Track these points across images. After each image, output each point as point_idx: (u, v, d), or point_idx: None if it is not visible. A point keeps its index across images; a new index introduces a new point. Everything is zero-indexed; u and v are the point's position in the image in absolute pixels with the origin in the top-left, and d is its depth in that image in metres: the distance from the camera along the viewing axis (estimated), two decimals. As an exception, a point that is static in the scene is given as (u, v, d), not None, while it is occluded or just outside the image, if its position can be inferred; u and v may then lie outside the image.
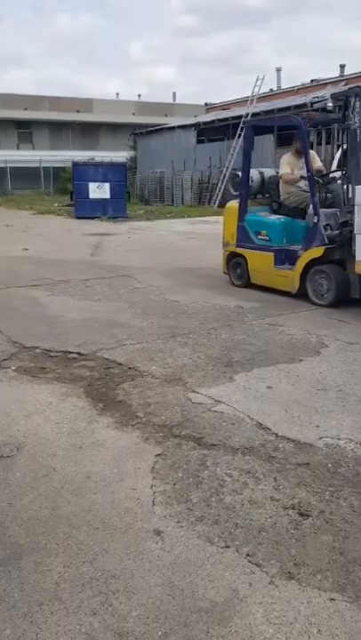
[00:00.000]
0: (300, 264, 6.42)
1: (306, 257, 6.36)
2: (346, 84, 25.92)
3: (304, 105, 22.66)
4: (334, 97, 6.45)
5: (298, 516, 2.49)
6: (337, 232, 6.13)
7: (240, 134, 23.02)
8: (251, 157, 7.42)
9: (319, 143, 22.14)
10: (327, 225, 6.23)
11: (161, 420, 3.43)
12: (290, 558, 2.21)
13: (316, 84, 28.04)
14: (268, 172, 7.65)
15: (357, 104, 5.83)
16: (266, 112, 24.22)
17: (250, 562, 2.19)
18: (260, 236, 7.07)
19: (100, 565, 2.19)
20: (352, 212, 5.81)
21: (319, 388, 3.92)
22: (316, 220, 6.25)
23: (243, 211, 7.27)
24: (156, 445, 3.13)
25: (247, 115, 23.47)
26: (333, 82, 27.44)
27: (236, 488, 2.71)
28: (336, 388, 3.90)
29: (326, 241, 6.18)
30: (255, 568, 2.16)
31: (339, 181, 6.52)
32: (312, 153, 7.12)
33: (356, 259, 5.74)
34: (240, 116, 24.11)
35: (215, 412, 3.55)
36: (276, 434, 3.25)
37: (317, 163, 7.21)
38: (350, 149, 6.01)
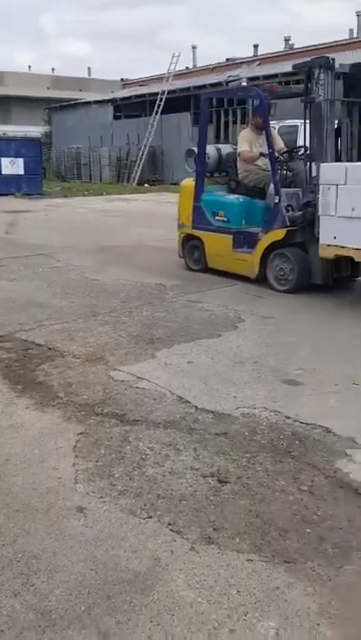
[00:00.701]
0: (260, 247, 6.03)
1: (266, 240, 5.99)
2: (259, 64, 26.31)
3: (220, 84, 22.77)
4: (297, 67, 5.93)
5: (217, 483, 2.55)
6: (299, 213, 5.79)
7: (157, 111, 22.89)
8: (207, 132, 6.98)
9: (235, 122, 22.38)
10: (288, 206, 5.91)
11: (82, 400, 3.40)
12: (209, 524, 2.28)
13: (232, 63, 28.24)
14: (226, 149, 7.21)
15: (321, 76, 5.41)
16: (182, 89, 24.15)
17: (171, 530, 2.24)
18: (217, 217, 6.61)
19: (21, 547, 2.16)
20: (315, 192, 5.45)
21: (236, 361, 4.02)
22: (276, 201, 5.86)
23: (199, 190, 6.80)
24: (78, 424, 3.10)
25: (164, 92, 23.32)
26: (248, 61, 27.73)
27: (158, 461, 2.74)
28: (252, 360, 4.01)
29: (288, 223, 5.82)
30: (176, 536, 2.21)
31: (301, 160, 6.18)
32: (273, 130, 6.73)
33: (320, 242, 5.32)
34: (157, 93, 23.91)
35: (137, 388, 3.56)
36: (196, 406, 3.31)
37: (279, 140, 6.84)
38: (313, 125, 5.60)
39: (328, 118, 5.52)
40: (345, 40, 25.51)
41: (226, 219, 6.53)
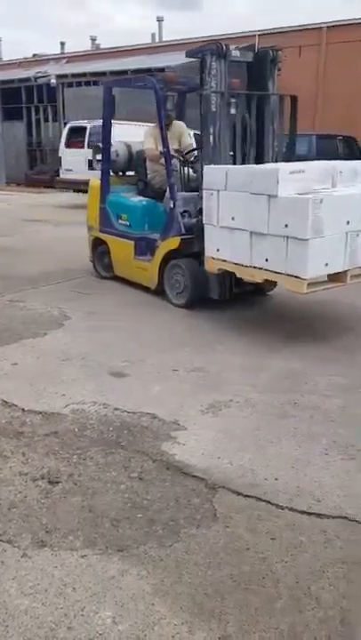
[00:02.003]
0: (158, 256, 5.40)
1: (163, 248, 5.37)
2: (67, 62, 26.08)
3: (28, 79, 22.14)
4: (190, 54, 5.09)
5: (48, 484, 2.49)
6: (194, 220, 5.12)
7: None
8: (111, 126, 6.26)
9: (46, 119, 21.96)
10: (185, 211, 5.26)
11: None
12: (41, 527, 2.21)
13: (39, 59, 27.59)
14: (137, 146, 6.43)
15: (213, 64, 4.77)
16: (-12, 84, 23.01)
17: (1, 541, 2.14)
18: (120, 221, 5.97)
19: None
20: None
21: (64, 359, 3.96)
22: (172, 206, 5.24)
23: (104, 190, 6.15)
24: None
25: (-32, 85, 22.02)
26: (55, 58, 27.33)
27: (-17, 471, 2.59)
28: (79, 357, 3.98)
29: (183, 230, 5.17)
30: (7, 545, 2.11)
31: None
32: (180, 124, 6.06)
33: (206, 254, 4.68)
34: None
35: None
36: (23, 409, 3.20)
37: (185, 136, 6.13)
38: (203, 121, 4.88)
39: (219, 113, 4.83)
40: (147, 44, 26.33)
41: (128, 223, 5.90)
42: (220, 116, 4.84)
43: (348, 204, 4.04)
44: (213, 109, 4.82)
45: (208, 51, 4.79)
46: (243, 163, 5.01)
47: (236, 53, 4.98)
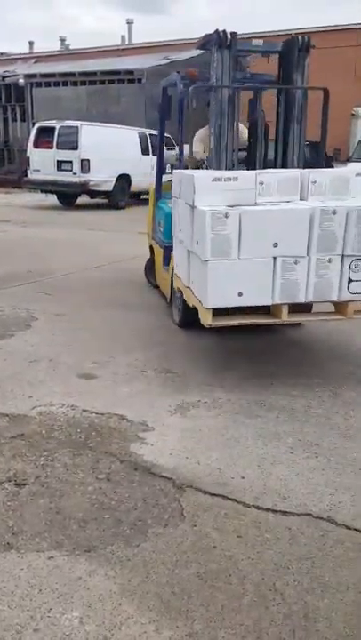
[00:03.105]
0: (170, 267, 4.84)
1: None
2: (36, 62, 25.86)
3: (-4, 77, 21.85)
4: (198, 47, 4.67)
5: (14, 487, 2.47)
6: None
7: None
8: (165, 128, 5.78)
9: (14, 119, 21.71)
10: None
11: None
12: (8, 530, 2.20)
13: (7, 58, 27.29)
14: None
15: (215, 56, 4.30)
16: None
17: (-34, 544, 2.11)
18: (159, 227, 5.59)
19: None
20: None
21: (31, 360, 3.93)
22: None
23: (157, 194, 5.75)
24: None
25: None
26: (24, 58, 27.07)
27: None
28: (47, 358, 3.96)
29: None
30: (-28, 549, 2.09)
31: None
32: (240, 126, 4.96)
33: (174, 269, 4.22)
34: None
35: None
36: (-11, 412, 3.17)
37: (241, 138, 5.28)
38: (211, 120, 4.49)
39: (223, 111, 4.39)
40: (117, 46, 26.31)
41: (162, 230, 5.42)
42: (221, 113, 4.38)
43: (278, 221, 3.29)
44: (216, 105, 4.38)
45: (210, 40, 4.33)
46: (262, 167, 4.54)
47: (257, 43, 4.52)
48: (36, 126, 14.96)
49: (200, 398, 3.37)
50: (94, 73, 20.07)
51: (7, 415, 3.13)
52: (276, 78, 4.68)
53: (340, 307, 3.55)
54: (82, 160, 13.55)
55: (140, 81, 18.80)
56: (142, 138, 15.21)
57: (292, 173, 3.69)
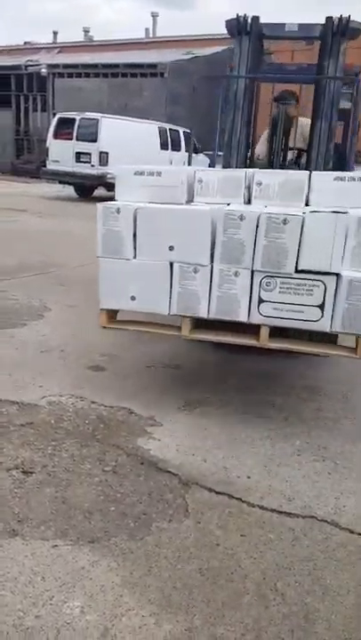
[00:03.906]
0: None
1: None
2: (60, 52, 25.90)
3: (18, 67, 21.97)
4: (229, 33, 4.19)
5: (21, 474, 2.50)
6: None
7: None
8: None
9: (35, 109, 21.80)
10: None
11: None
12: (14, 517, 2.22)
13: (31, 48, 27.36)
14: None
15: (235, 42, 4.05)
16: (-22, 70, 22.82)
17: (-28, 529, 2.14)
18: None
19: None
20: None
21: (43, 350, 3.95)
22: None
23: None
24: None
25: None
26: (48, 48, 27.12)
27: None
28: (58, 349, 3.98)
29: None
30: (-22, 534, 2.12)
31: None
32: (307, 122, 4.49)
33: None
34: None
35: None
36: (0, 399, 3.19)
37: (304, 132, 4.67)
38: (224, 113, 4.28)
39: (236, 104, 4.11)
40: (141, 38, 26.27)
41: None
42: (234, 106, 4.11)
43: (175, 222, 2.90)
44: (230, 97, 4.12)
45: (232, 27, 4.03)
46: (281, 167, 4.27)
47: (292, 27, 4.07)
48: (57, 117, 15.02)
49: (209, 395, 3.38)
50: (117, 65, 20.09)
51: (17, 403, 3.16)
52: (317, 69, 4.16)
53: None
54: (100, 152, 13.60)
55: (162, 75, 18.78)
56: (162, 132, 15.21)
57: (235, 173, 3.32)
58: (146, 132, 14.83)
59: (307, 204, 3.04)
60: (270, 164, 4.31)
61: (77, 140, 14.02)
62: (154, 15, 29.73)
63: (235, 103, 4.12)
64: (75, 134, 14.04)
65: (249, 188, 3.13)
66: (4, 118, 22.23)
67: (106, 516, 2.25)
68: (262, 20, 4.05)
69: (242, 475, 2.59)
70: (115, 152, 13.51)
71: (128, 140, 13.57)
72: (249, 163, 4.29)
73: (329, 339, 2.99)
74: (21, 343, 4.08)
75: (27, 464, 2.58)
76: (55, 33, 30.81)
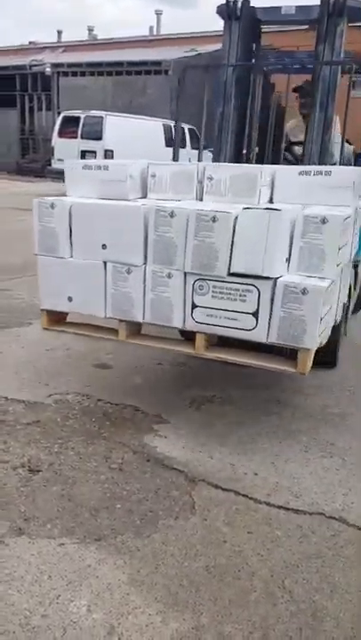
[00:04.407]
0: None
1: None
2: (64, 51, 25.89)
3: (23, 67, 21.98)
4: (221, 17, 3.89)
5: (28, 472, 2.49)
6: None
7: None
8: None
9: (40, 108, 21.81)
10: None
11: None
12: (20, 515, 2.21)
13: (35, 47, 27.37)
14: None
15: (225, 28, 3.79)
16: (-18, 70, 22.86)
17: (-22, 528, 2.13)
18: None
19: None
20: None
21: (48, 349, 3.95)
22: None
23: None
24: None
25: None
26: (52, 47, 27.11)
27: None
28: (64, 347, 3.98)
29: None
30: (-16, 532, 2.11)
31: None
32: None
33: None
34: None
35: None
36: (6, 397, 3.19)
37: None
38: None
39: (226, 94, 3.88)
40: (145, 36, 26.21)
41: None
42: (224, 97, 3.87)
43: (108, 219, 2.68)
44: (220, 88, 3.88)
45: (221, 12, 3.78)
46: (271, 162, 3.94)
47: (289, 10, 3.79)
48: (61, 116, 15.03)
49: (215, 393, 3.36)
50: (121, 63, 20.06)
51: (23, 402, 3.15)
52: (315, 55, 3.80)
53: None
54: (105, 150, 13.59)
55: (166, 72, 18.74)
56: (167, 129, 15.18)
57: (187, 167, 2.99)
58: (150, 129, 14.81)
59: (271, 201, 2.84)
60: (260, 159, 4.05)
61: (82, 138, 14.02)
62: (158, 13, 29.67)
63: (224, 94, 3.86)
64: (79, 133, 14.05)
65: (202, 184, 2.88)
66: (10, 118, 22.27)
67: (112, 513, 2.24)
68: (258, 5, 3.83)
69: (248, 471, 2.57)
70: (119, 150, 13.50)
71: (133, 138, 13.56)
72: (246, 158, 4.04)
73: (280, 350, 2.62)
74: (27, 342, 4.08)
75: (33, 462, 2.57)
76: (59, 32, 30.79)
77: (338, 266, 2.50)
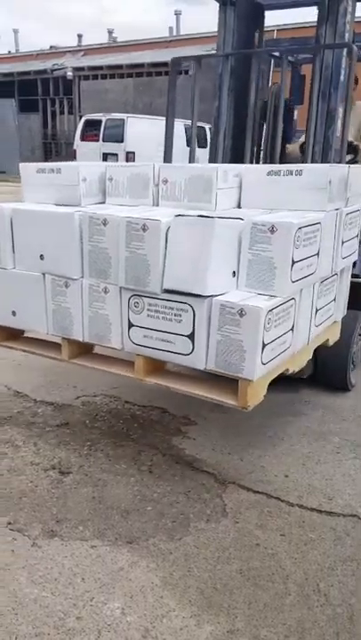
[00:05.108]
0: None
1: None
2: (84, 54, 26.09)
3: (44, 71, 22.21)
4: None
5: (59, 475, 2.50)
6: None
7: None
8: None
9: (62, 112, 22.01)
10: None
11: None
12: (52, 517, 2.22)
13: (55, 51, 27.63)
14: None
15: (219, 15, 3.57)
16: (5, 74, 23.18)
17: (11, 530, 2.15)
18: None
19: None
20: None
21: (75, 351, 3.97)
22: None
23: None
24: None
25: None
26: (72, 51, 27.34)
27: (-6, 460, 2.62)
28: (91, 349, 3.99)
29: None
30: (17, 534, 2.12)
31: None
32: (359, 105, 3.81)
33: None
34: (-23, 78, 22.64)
35: (-33, 387, 3.36)
36: (35, 399, 3.22)
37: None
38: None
39: (220, 87, 3.65)
40: (165, 37, 26.25)
41: None
42: (219, 89, 3.64)
43: (44, 227, 2.45)
44: (216, 81, 3.62)
45: None
46: (267, 161, 3.68)
47: None
48: (83, 119, 15.12)
49: (243, 393, 3.34)
50: (142, 65, 20.15)
51: (52, 404, 3.17)
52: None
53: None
54: (127, 152, 13.63)
55: (186, 72, 18.74)
56: (188, 130, 15.18)
57: (143, 169, 2.62)
58: (180, 130, 14.83)
59: (239, 206, 2.57)
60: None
61: (104, 141, 14.09)
62: (177, 13, 29.71)
63: (219, 88, 3.59)
64: (101, 135, 14.12)
65: (158, 187, 2.59)
66: (33, 122, 22.53)
67: (143, 516, 2.24)
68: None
69: (279, 473, 2.55)
70: (141, 151, 13.53)
71: (154, 139, 13.57)
72: (251, 157, 3.73)
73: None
74: (54, 344, 4.11)
75: (63, 464, 2.59)
76: (80, 36, 31.04)
77: (295, 282, 2.14)
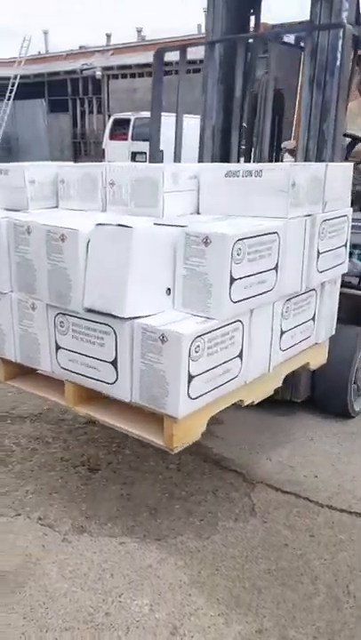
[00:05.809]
0: None
1: None
2: (113, 54, 26.21)
3: (74, 71, 22.38)
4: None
5: (88, 471, 2.53)
6: None
7: (10, 96, 21.94)
8: None
9: (91, 111, 22.15)
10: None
11: None
12: (82, 513, 2.25)
13: (85, 51, 27.81)
14: None
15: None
16: (36, 75, 23.42)
17: (42, 525, 2.18)
18: None
19: None
20: None
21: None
22: None
23: None
24: None
25: (16, 76, 22.38)
26: (101, 50, 27.49)
27: (26, 456, 2.66)
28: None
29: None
30: (48, 530, 2.16)
31: None
32: None
33: None
34: (8, 78, 22.88)
35: (-1, 384, 3.41)
36: (64, 398, 3.25)
37: None
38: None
39: (208, 77, 3.36)
40: (192, 35, 26.18)
41: None
42: (206, 81, 3.36)
43: None
44: (206, 72, 3.31)
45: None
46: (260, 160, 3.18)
47: None
48: (112, 118, 15.21)
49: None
50: (170, 63, 20.12)
51: (81, 401, 3.20)
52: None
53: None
54: (156, 151, 13.67)
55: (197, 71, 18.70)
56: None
57: (91, 169, 2.36)
58: (198, 127, 14.80)
59: (198, 211, 2.29)
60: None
61: (133, 139, 14.13)
62: (205, 10, 29.61)
63: (206, 79, 3.29)
64: (130, 134, 14.17)
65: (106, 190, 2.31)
66: (62, 122, 22.73)
67: (171, 513, 2.25)
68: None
69: (309, 474, 2.53)
70: (170, 150, 13.52)
71: (183, 137, 13.58)
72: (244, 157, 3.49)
73: None
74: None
75: (92, 461, 2.61)
76: (108, 35, 31.19)
77: (238, 303, 1.83)
